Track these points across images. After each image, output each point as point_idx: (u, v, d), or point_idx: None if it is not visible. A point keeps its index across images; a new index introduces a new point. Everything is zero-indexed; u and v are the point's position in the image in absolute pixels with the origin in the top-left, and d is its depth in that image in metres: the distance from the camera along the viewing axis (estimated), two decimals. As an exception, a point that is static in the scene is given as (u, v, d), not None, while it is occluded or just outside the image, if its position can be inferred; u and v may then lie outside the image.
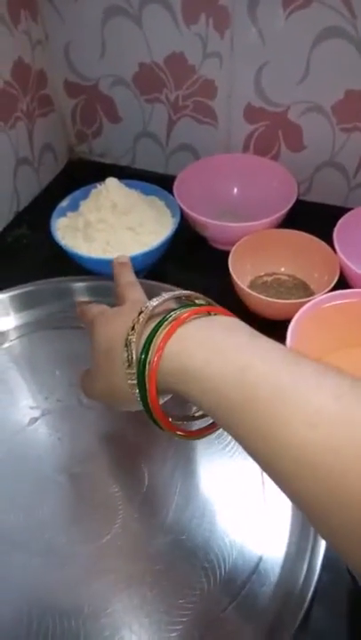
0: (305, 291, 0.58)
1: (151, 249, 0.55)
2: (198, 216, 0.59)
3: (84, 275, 0.57)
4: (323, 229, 0.57)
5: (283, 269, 0.60)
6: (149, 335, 0.31)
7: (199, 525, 0.42)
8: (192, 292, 0.36)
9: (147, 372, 0.31)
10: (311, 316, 0.48)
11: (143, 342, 0.31)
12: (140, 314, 0.33)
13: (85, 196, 0.60)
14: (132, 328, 0.33)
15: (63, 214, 0.60)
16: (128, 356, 0.32)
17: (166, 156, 0.74)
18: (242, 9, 0.56)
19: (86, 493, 0.43)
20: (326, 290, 0.51)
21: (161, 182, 0.64)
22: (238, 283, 0.53)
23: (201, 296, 0.36)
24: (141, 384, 0.32)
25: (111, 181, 0.58)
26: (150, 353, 0.31)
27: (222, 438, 0.46)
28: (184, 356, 0.30)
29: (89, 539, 0.41)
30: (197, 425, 0.37)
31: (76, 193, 0.61)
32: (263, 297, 0.52)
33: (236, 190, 0.68)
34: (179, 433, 0.35)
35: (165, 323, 0.31)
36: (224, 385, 0.28)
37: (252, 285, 0.59)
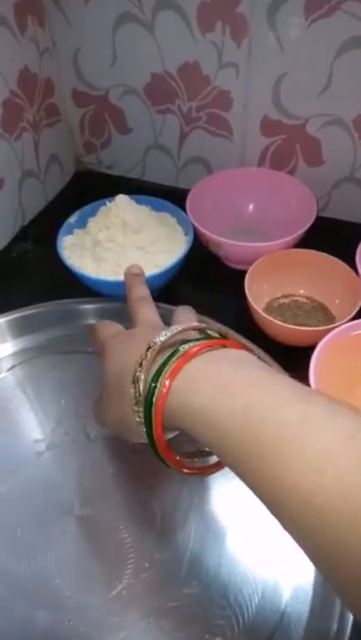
0: (325, 314, 0.55)
1: (163, 270, 0.52)
2: (212, 234, 0.56)
3: (91, 296, 0.55)
4: (342, 248, 0.54)
5: (301, 291, 0.57)
6: (157, 371, 0.30)
7: (217, 574, 0.38)
8: (204, 324, 0.34)
9: (153, 409, 0.30)
10: (336, 344, 0.45)
11: (150, 379, 0.30)
12: (148, 349, 0.32)
13: (94, 213, 0.57)
14: (140, 364, 0.31)
15: (70, 232, 0.57)
16: (135, 393, 0.31)
17: (177, 170, 0.71)
18: (260, 16, 0.54)
19: (94, 538, 0.40)
20: (350, 316, 0.48)
21: (171, 196, 0.61)
22: (255, 307, 0.50)
23: (214, 326, 0.35)
24: (148, 421, 0.31)
25: (121, 199, 0.55)
26: (157, 391, 0.30)
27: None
28: (190, 393, 0.29)
29: (98, 590, 0.38)
30: (204, 462, 0.36)
31: (85, 209, 0.58)
32: (281, 323, 0.49)
33: (251, 207, 0.65)
34: (185, 470, 0.34)
35: (173, 359, 0.30)
36: (228, 422, 0.27)
37: (269, 308, 0.56)
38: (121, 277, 0.46)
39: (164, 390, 0.29)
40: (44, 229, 0.67)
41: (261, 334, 0.52)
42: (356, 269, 0.52)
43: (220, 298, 0.57)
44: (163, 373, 0.30)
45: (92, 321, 0.53)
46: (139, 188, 0.74)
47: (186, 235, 0.57)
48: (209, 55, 0.59)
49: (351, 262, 0.53)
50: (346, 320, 0.48)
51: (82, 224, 0.58)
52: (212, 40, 0.58)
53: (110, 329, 0.41)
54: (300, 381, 0.40)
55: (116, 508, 0.42)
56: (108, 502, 0.42)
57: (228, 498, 0.42)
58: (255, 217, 0.65)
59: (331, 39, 0.53)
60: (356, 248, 0.54)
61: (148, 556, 0.39)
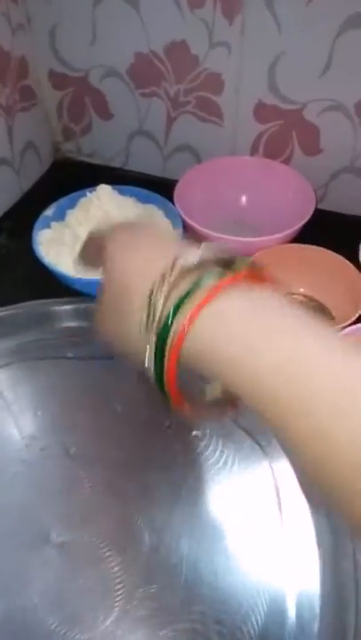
0: (323, 315, 0.51)
1: None
2: (202, 228, 0.51)
3: (70, 295, 0.50)
4: (340, 244, 0.50)
5: (301, 290, 0.53)
6: (178, 301, 0.24)
7: (216, 601, 0.35)
8: (234, 254, 0.27)
9: (169, 343, 0.24)
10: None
11: (171, 311, 0.24)
12: (172, 267, 0.25)
13: (73, 205, 0.52)
14: (159, 285, 0.25)
15: (47, 225, 0.52)
16: (149, 316, 0.25)
17: (164, 158, 0.67)
18: (256, -10, 0.49)
19: (77, 568, 0.36)
20: (352, 317, 0.44)
21: (156, 187, 0.57)
22: None
23: (244, 258, 0.27)
24: (159, 355, 0.25)
25: (103, 190, 0.50)
26: (174, 329, 0.24)
27: (234, 482, 0.40)
28: (220, 336, 0.24)
29: (83, 626, 0.34)
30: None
31: (62, 201, 0.53)
32: None
33: (244, 198, 0.61)
34: (190, 412, 0.29)
35: (201, 289, 0.24)
36: (268, 375, 0.23)
37: None
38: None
39: (185, 327, 0.24)
40: (19, 223, 0.62)
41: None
42: (358, 266, 0.48)
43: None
44: (185, 305, 0.24)
45: (71, 324, 0.48)
46: (121, 178, 0.69)
47: (174, 228, 0.53)
48: (198, 33, 0.54)
49: (352, 258, 0.49)
50: (349, 322, 0.44)
51: (60, 217, 0.53)
52: (201, 17, 0.53)
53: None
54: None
55: (101, 531, 0.38)
56: (91, 526, 0.38)
57: (222, 513, 0.39)
58: (248, 209, 0.61)
59: (332, 16, 0.48)
60: (357, 243, 0.50)
61: (138, 585, 0.35)
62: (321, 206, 0.61)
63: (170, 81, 0.59)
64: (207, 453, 0.41)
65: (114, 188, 0.52)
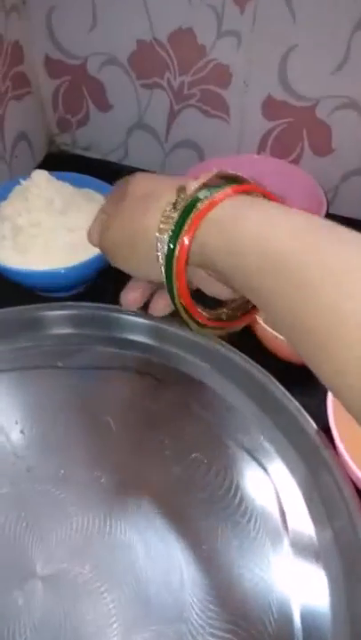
0: None
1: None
2: None
3: (23, 297, 0.46)
4: None
5: None
6: (208, 190, 0.28)
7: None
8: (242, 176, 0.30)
9: (190, 217, 0.27)
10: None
11: (199, 193, 0.28)
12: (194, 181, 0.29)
13: (4, 196, 0.49)
14: (181, 190, 0.29)
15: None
16: (177, 200, 0.28)
17: (165, 154, 0.63)
18: (270, -24, 0.46)
19: (67, 604, 0.32)
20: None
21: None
22: (259, 321, 0.43)
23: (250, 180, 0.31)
24: (177, 230, 0.28)
25: (39, 175, 0.48)
26: (201, 203, 0.27)
27: (237, 507, 0.36)
28: (240, 217, 0.26)
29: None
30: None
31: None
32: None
33: None
34: (206, 324, 0.32)
35: (219, 190, 0.28)
36: (284, 245, 0.25)
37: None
38: (55, 265, 0.43)
39: (211, 202, 0.27)
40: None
41: (260, 349, 0.45)
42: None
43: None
44: (202, 200, 0.27)
45: (61, 331, 0.44)
46: (119, 173, 0.65)
47: None
48: (206, 21, 0.50)
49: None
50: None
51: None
52: (210, 3, 0.49)
53: None
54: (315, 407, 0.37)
55: (92, 564, 0.34)
56: (80, 560, 0.34)
57: (225, 541, 0.35)
58: None
59: (351, 7, 0.45)
60: None
61: (136, 623, 0.32)
62: (330, 210, 0.58)
63: (174, 72, 0.55)
64: (208, 478, 0.38)
65: (49, 174, 0.49)
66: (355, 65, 0.48)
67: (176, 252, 0.28)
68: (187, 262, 0.28)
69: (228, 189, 0.27)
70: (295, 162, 0.57)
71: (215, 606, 0.32)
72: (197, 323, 0.32)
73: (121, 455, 0.39)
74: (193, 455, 0.39)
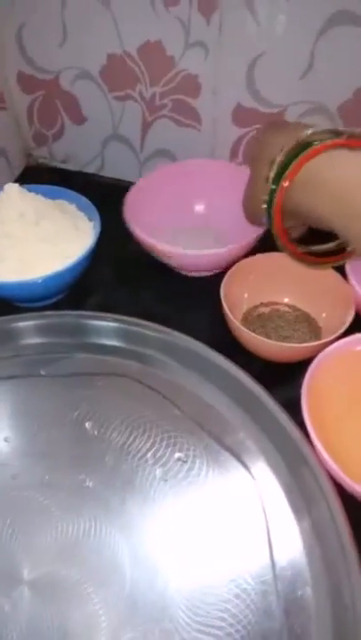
0: (309, 325, 0.49)
1: (77, 260, 0.47)
2: (157, 243, 0.48)
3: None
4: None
5: (286, 300, 0.51)
6: (305, 142, 0.34)
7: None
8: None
9: (296, 160, 0.33)
10: (333, 361, 0.39)
11: (304, 138, 0.33)
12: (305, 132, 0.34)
13: None
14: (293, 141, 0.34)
15: None
16: (283, 150, 0.34)
17: (140, 163, 0.64)
18: (233, -12, 0.47)
19: (54, 610, 0.33)
20: (342, 328, 0.42)
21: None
22: (234, 321, 0.43)
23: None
24: (281, 172, 0.34)
25: (12, 188, 0.48)
26: (307, 150, 0.33)
27: (220, 506, 0.37)
28: (342, 163, 0.32)
29: None
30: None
31: None
32: (271, 341, 0.43)
33: (204, 204, 0.58)
34: (289, 248, 0.38)
35: (324, 140, 0.33)
36: None
37: (247, 318, 0.49)
38: (28, 276, 0.43)
39: (321, 147, 0.32)
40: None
41: (238, 349, 0.45)
42: (344, 275, 0.46)
43: (185, 310, 0.51)
44: (313, 144, 0.33)
45: (40, 340, 0.45)
46: (97, 184, 0.66)
47: (90, 220, 0.52)
48: (174, 33, 0.51)
49: (337, 267, 0.47)
50: (338, 334, 0.42)
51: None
52: (177, 15, 0.50)
53: None
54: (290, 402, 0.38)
55: (79, 568, 0.34)
56: (67, 562, 0.34)
57: (209, 539, 0.36)
58: (210, 214, 0.58)
59: (314, 14, 0.46)
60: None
61: (124, 623, 0.32)
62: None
63: (145, 83, 0.56)
64: (191, 477, 0.38)
65: (21, 186, 0.50)
66: (319, 71, 0.49)
67: (277, 190, 0.34)
68: (283, 199, 0.34)
69: (331, 141, 0.33)
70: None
71: (201, 603, 0.33)
72: (290, 252, 0.38)
73: (105, 459, 0.39)
74: (176, 455, 0.39)
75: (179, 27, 0.51)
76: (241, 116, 0.55)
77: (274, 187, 0.35)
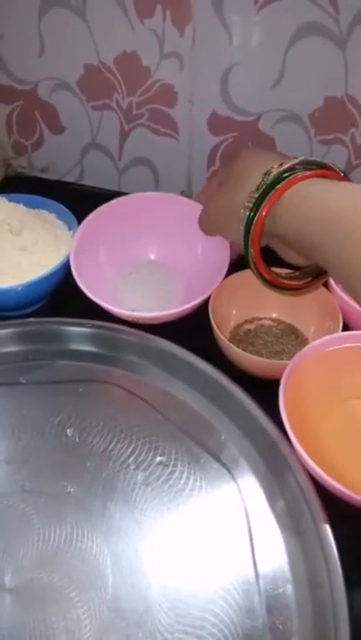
0: (297, 338, 0.49)
1: (54, 269, 0.47)
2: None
3: None
4: None
5: (274, 315, 0.51)
6: (288, 170, 0.34)
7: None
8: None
9: (271, 193, 0.33)
10: (307, 367, 0.40)
11: (282, 172, 0.34)
12: (279, 165, 0.35)
13: None
14: (279, 165, 0.34)
15: None
16: (262, 181, 0.34)
17: (119, 172, 0.65)
18: (205, 0, 0.48)
19: (37, 616, 0.33)
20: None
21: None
22: (226, 342, 0.43)
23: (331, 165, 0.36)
24: (257, 204, 0.34)
25: None
26: (281, 184, 0.33)
27: (202, 508, 0.37)
28: (306, 194, 0.33)
29: None
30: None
31: None
32: (263, 359, 0.43)
33: (160, 243, 0.56)
34: (265, 276, 0.38)
35: (300, 171, 0.34)
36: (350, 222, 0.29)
37: (234, 337, 0.50)
38: (8, 284, 0.43)
39: (288, 182, 0.33)
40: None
41: (220, 354, 0.46)
42: (328, 287, 0.47)
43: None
44: (292, 175, 0.34)
45: (19, 347, 0.45)
46: (77, 193, 0.67)
47: (70, 229, 0.52)
48: (149, 44, 0.52)
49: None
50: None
51: None
52: (151, 27, 0.51)
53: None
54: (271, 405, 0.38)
55: (61, 573, 0.34)
56: (49, 568, 0.35)
57: (190, 541, 0.36)
58: (160, 252, 0.56)
59: (284, 25, 0.48)
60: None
61: (108, 628, 0.32)
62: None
63: (122, 93, 0.57)
64: (172, 481, 0.39)
65: (2, 196, 0.51)
66: (290, 80, 0.51)
67: (254, 221, 0.35)
68: (262, 230, 0.35)
69: (305, 173, 0.33)
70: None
71: (183, 605, 0.33)
72: (266, 281, 0.38)
73: (86, 464, 0.39)
74: (157, 459, 0.40)
75: (153, 38, 0.52)
76: (216, 124, 0.56)
77: (251, 214, 0.35)
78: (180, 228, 0.52)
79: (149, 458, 0.40)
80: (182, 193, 0.64)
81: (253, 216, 0.35)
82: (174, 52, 0.52)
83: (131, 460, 0.40)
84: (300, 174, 0.33)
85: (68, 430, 0.41)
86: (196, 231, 0.50)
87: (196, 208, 0.46)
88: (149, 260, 0.56)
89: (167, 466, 0.39)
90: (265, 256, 0.38)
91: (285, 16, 0.47)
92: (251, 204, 0.35)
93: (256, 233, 0.35)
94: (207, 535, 0.36)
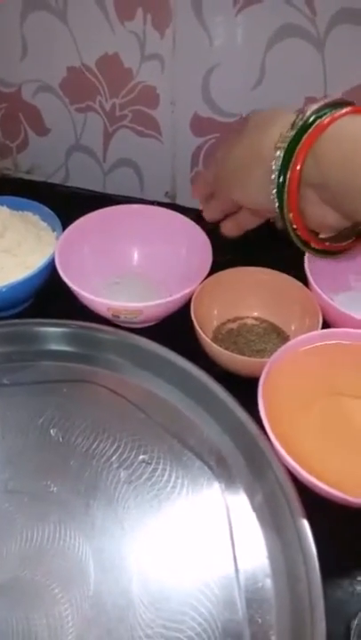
0: (278, 335, 0.50)
1: (37, 270, 0.47)
2: (80, 290, 0.46)
3: None
4: (289, 263, 0.48)
5: (256, 314, 0.51)
6: (320, 109, 0.30)
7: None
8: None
9: (309, 131, 0.29)
10: (286, 364, 0.40)
11: (318, 109, 0.30)
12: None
13: None
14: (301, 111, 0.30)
15: None
16: (295, 120, 0.30)
17: (104, 173, 0.65)
18: (185, 3, 0.48)
19: (20, 614, 0.33)
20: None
21: (99, 203, 0.55)
22: (208, 340, 0.44)
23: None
24: (292, 145, 0.29)
25: None
26: (321, 119, 0.29)
27: (184, 506, 0.38)
28: (358, 133, 0.28)
29: None
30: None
31: None
32: (246, 358, 0.44)
33: (141, 251, 0.57)
34: (306, 240, 0.33)
35: (343, 107, 0.29)
36: None
37: (217, 336, 0.50)
38: None
39: (331, 118, 0.28)
40: None
41: (200, 353, 0.46)
42: (306, 280, 0.47)
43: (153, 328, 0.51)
44: (330, 112, 0.29)
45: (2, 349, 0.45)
46: (62, 194, 0.67)
47: (54, 231, 0.53)
48: (130, 46, 0.53)
49: (301, 278, 0.48)
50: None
51: None
52: (132, 30, 0.52)
53: None
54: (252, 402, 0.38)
55: (45, 571, 0.35)
56: (33, 566, 0.35)
57: (172, 539, 0.37)
58: (143, 260, 0.56)
59: (263, 27, 0.48)
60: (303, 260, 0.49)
61: (90, 624, 0.33)
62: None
63: (104, 95, 0.57)
64: (155, 478, 0.39)
65: None
66: (271, 81, 0.51)
67: (290, 166, 0.29)
68: (300, 178, 0.29)
69: (348, 109, 0.29)
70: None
71: (164, 599, 0.34)
72: (307, 245, 0.33)
73: (69, 463, 0.40)
74: (140, 458, 0.40)
75: (134, 40, 0.52)
76: (199, 125, 0.57)
77: (286, 156, 0.29)
78: (164, 238, 0.53)
79: (132, 456, 0.40)
80: (167, 194, 0.64)
81: (289, 159, 0.29)
82: (156, 54, 0.53)
83: (114, 458, 0.40)
84: (347, 108, 0.29)
85: (51, 430, 0.41)
86: (180, 239, 0.52)
87: (180, 218, 0.48)
88: (134, 271, 0.56)
89: (150, 464, 0.40)
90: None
91: (264, 18, 0.47)
92: (285, 145, 0.29)
93: (293, 180, 0.29)
94: (188, 531, 0.37)
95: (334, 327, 0.44)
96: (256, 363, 0.42)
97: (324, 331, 0.42)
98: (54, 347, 0.45)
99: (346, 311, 0.44)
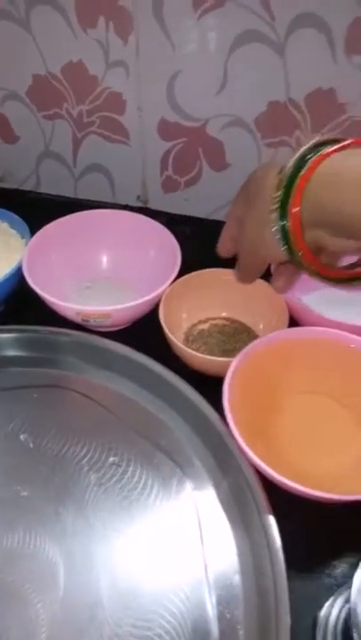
0: (248, 335, 0.51)
1: (4, 278, 0.48)
2: (49, 297, 0.46)
3: None
4: None
5: (224, 314, 0.52)
6: (301, 156, 0.30)
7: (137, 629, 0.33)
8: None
9: (296, 183, 0.30)
10: (251, 364, 0.41)
11: (296, 159, 0.30)
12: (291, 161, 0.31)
13: None
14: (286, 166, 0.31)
15: None
16: (280, 176, 0.31)
17: (75, 179, 0.66)
18: (146, 10, 0.49)
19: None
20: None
21: (71, 208, 0.55)
22: (176, 342, 0.44)
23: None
24: (284, 200, 0.30)
25: None
26: (306, 165, 0.30)
27: (155, 507, 0.38)
28: (340, 169, 0.29)
29: None
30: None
31: None
32: (219, 358, 0.44)
33: (109, 255, 0.57)
34: (324, 274, 0.33)
35: (318, 152, 0.30)
36: None
37: (188, 338, 0.51)
38: None
39: (312, 164, 0.29)
40: None
41: (181, 366, 0.46)
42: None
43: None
44: (309, 160, 0.30)
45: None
46: (34, 201, 0.67)
47: (23, 237, 0.53)
48: (94, 54, 0.53)
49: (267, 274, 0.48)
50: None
51: None
52: (95, 37, 0.52)
53: None
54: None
55: (18, 573, 0.35)
56: (4, 571, 0.35)
57: (142, 540, 0.37)
58: (113, 265, 0.57)
59: (224, 33, 0.49)
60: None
61: (63, 625, 0.33)
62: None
63: (71, 102, 0.58)
64: (125, 480, 0.40)
65: None
66: (234, 86, 0.52)
67: (288, 218, 0.30)
68: (301, 223, 0.30)
69: (324, 151, 0.29)
70: (197, 177, 0.60)
71: (134, 598, 0.34)
72: (330, 279, 0.33)
73: (40, 468, 0.40)
74: (110, 460, 0.41)
75: (98, 48, 0.53)
76: (166, 130, 0.57)
77: (282, 214, 0.31)
78: (134, 242, 0.54)
79: (103, 459, 0.41)
80: (138, 198, 0.65)
81: (284, 214, 0.30)
82: (120, 61, 0.53)
83: (84, 461, 0.40)
84: (316, 156, 0.29)
85: (21, 436, 0.42)
86: (149, 242, 0.53)
87: (149, 221, 0.50)
88: (105, 275, 0.57)
89: (120, 466, 0.40)
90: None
91: (225, 24, 0.48)
92: (277, 205, 0.30)
93: (295, 227, 0.30)
94: (158, 531, 0.37)
95: (301, 325, 0.45)
96: (221, 362, 0.42)
97: (288, 329, 0.43)
98: (25, 352, 0.45)
99: (315, 309, 0.44)
